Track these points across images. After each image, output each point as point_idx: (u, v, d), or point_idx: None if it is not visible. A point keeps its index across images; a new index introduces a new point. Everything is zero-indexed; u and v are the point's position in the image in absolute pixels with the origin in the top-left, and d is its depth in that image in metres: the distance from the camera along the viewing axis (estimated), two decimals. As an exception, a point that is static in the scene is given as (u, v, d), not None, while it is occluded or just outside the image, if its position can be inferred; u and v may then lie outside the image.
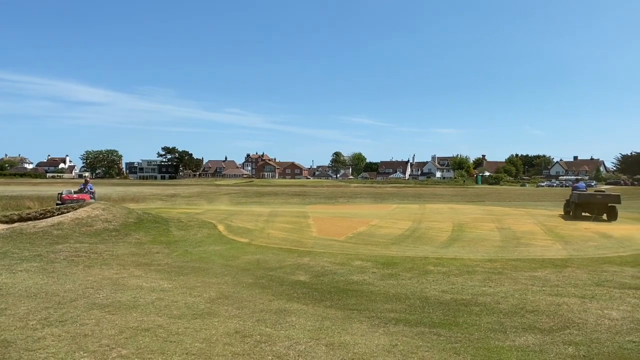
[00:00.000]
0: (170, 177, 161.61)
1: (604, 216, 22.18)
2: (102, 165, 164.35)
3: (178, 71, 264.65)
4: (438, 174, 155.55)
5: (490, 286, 8.56)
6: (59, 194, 23.24)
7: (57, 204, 21.22)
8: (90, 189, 23.23)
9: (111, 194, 44.95)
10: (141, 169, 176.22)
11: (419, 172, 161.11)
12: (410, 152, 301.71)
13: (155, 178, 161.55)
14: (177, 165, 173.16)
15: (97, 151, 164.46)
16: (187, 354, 4.87)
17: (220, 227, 17.03)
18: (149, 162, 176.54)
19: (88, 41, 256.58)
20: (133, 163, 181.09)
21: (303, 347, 5.16)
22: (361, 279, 9.07)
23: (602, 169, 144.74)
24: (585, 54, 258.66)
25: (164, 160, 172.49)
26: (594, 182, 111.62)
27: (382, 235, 15.79)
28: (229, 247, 13.14)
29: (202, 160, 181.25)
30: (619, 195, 22.73)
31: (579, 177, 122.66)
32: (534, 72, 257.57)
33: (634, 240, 15.03)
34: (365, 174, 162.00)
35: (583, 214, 22.72)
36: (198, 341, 5.25)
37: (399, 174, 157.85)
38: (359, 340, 5.43)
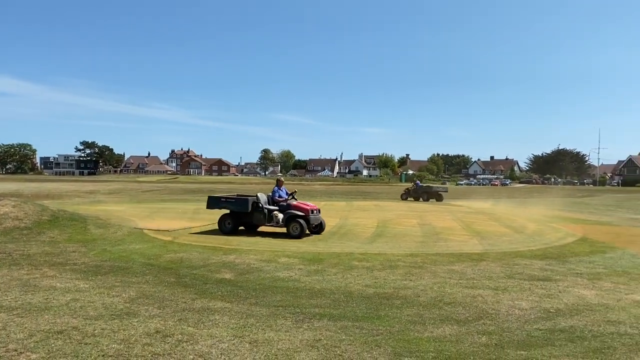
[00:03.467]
0: (90, 173, 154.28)
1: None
2: (14, 160, 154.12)
3: (97, 62, 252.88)
4: (365, 172, 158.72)
5: (411, 280, 8.86)
6: (254, 201, 15.07)
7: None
8: (286, 195, 15.88)
9: (23, 190, 42.25)
10: (57, 164, 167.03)
11: (347, 170, 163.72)
12: (339, 151, 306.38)
13: (73, 174, 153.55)
14: (96, 160, 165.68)
15: (7, 145, 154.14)
16: (103, 356, 4.67)
17: (142, 225, 16.45)
18: (67, 157, 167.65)
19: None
20: (49, 158, 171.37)
21: (226, 345, 5.10)
22: (287, 276, 9.08)
23: (516, 168, 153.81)
24: (505, 60, 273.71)
25: (83, 155, 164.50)
26: (509, 180, 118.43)
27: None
28: (150, 245, 12.72)
29: (123, 156, 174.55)
30: (446, 187, 47.61)
31: (495, 176, 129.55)
32: (456, 75, 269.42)
33: (543, 235, 16.10)
34: (294, 172, 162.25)
35: (420, 199, 37.18)
36: (116, 342, 5.05)
37: (327, 172, 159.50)
38: (283, 337, 5.44)
